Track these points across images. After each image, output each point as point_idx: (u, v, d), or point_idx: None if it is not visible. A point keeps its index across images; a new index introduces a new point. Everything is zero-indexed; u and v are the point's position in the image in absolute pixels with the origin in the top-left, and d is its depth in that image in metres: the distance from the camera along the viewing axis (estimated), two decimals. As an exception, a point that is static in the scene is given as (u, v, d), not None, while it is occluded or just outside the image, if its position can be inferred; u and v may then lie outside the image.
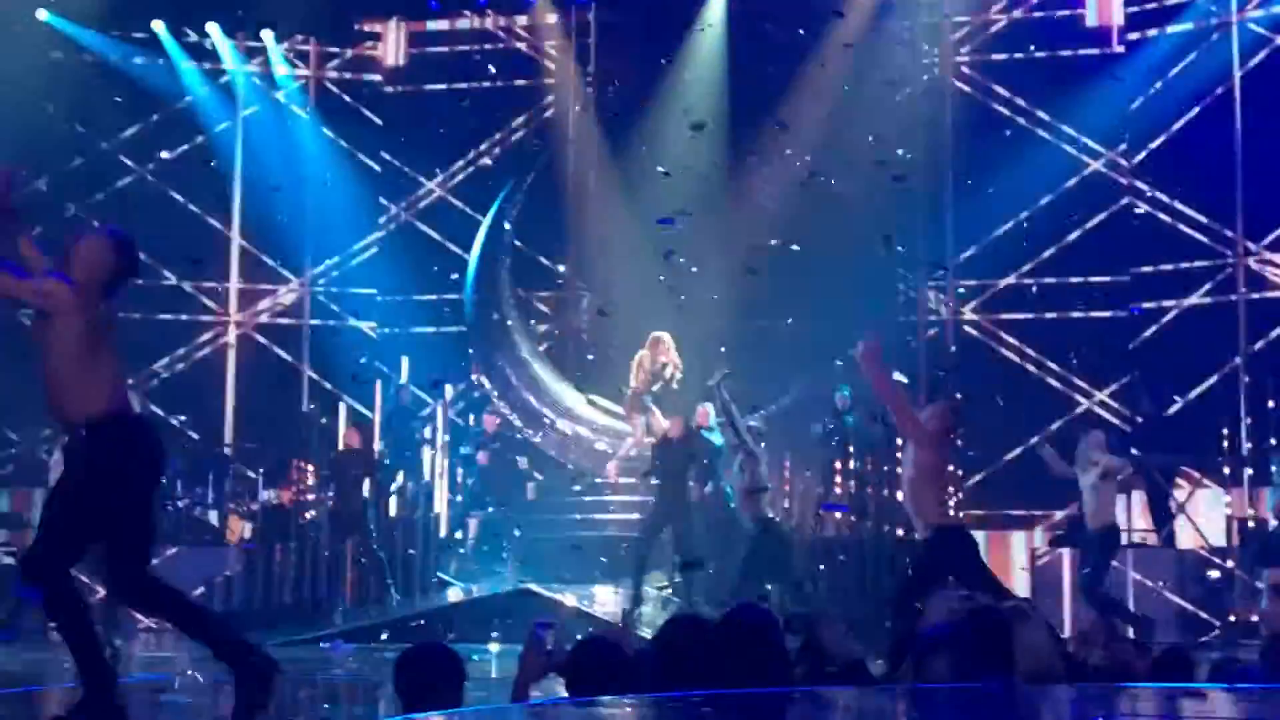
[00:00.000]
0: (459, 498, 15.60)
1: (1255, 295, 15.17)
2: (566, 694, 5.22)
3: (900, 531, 12.96)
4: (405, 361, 16.22)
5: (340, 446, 14.36)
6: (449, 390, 15.78)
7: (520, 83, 17.96)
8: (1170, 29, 15.98)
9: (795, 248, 15.33)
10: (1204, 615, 12.84)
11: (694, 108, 16.54)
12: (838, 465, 14.45)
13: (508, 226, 17.96)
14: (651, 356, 15.28)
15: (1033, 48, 16.72)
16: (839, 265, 15.17)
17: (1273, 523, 12.24)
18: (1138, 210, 15.89)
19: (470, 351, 17.52)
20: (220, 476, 15.69)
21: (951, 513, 10.05)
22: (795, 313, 16.06)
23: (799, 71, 16.86)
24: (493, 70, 17.38)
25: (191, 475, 15.62)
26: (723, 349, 15.38)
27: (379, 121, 18.01)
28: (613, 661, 5.29)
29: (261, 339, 17.55)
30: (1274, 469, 12.35)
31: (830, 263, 15.25)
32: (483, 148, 18.11)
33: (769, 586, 12.16)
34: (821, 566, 13.23)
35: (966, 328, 16.64)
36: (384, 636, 12.58)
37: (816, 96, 16.63)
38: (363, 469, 14.08)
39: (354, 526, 13.88)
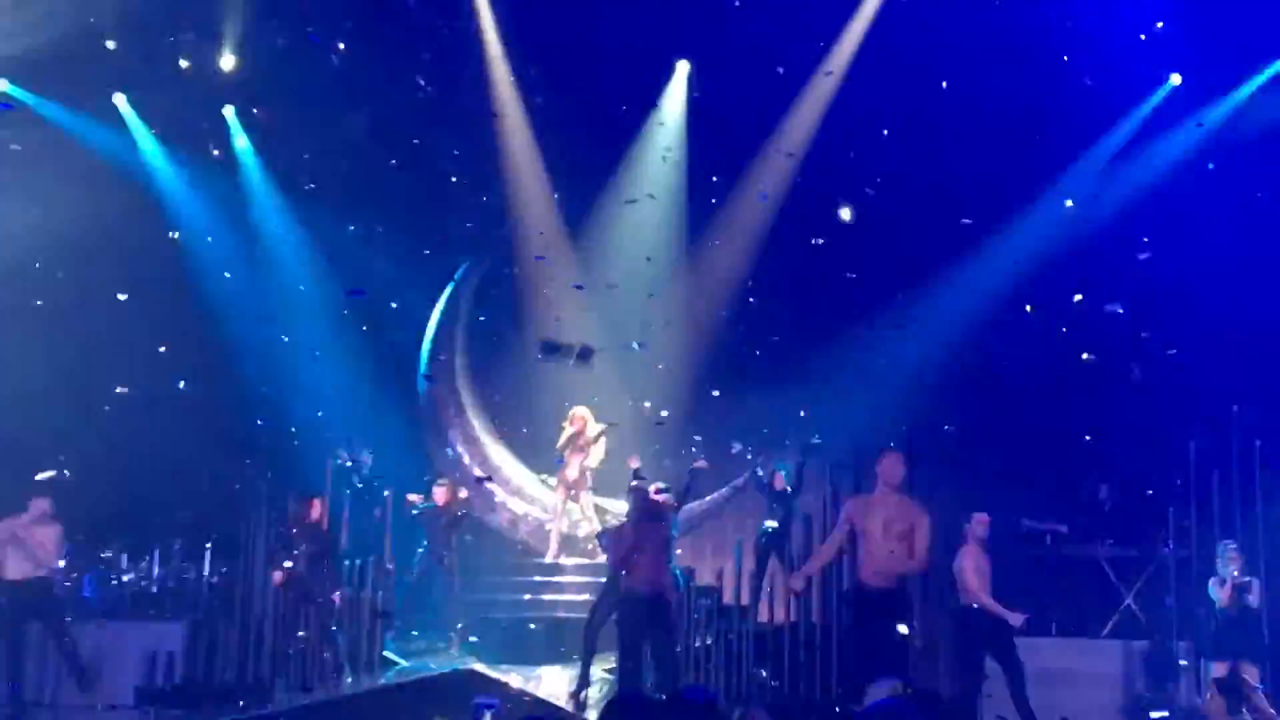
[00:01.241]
0: (408, 575, 15.54)
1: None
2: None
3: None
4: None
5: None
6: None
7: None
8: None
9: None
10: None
11: (653, 180, 16.89)
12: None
13: (463, 305, 18.05)
14: (580, 430, 15.61)
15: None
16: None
17: (1220, 604, 12.24)
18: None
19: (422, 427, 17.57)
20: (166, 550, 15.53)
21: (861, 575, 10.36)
22: (751, 389, 16.19)
23: (757, 152, 17.20)
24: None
25: (136, 549, 15.49)
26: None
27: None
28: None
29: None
30: (1218, 559, 12.40)
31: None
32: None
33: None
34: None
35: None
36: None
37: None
38: (319, 544, 13.94)
39: (306, 602, 13.74)
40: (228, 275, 16.93)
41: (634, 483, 13.10)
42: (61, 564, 13.40)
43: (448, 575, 15.17)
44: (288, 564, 13.51)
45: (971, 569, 11.62)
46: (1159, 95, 16.35)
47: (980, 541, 11.69)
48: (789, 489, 14.96)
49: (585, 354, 14.83)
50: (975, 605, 11.53)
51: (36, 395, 15.43)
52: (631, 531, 11.55)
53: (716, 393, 16.65)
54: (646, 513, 11.60)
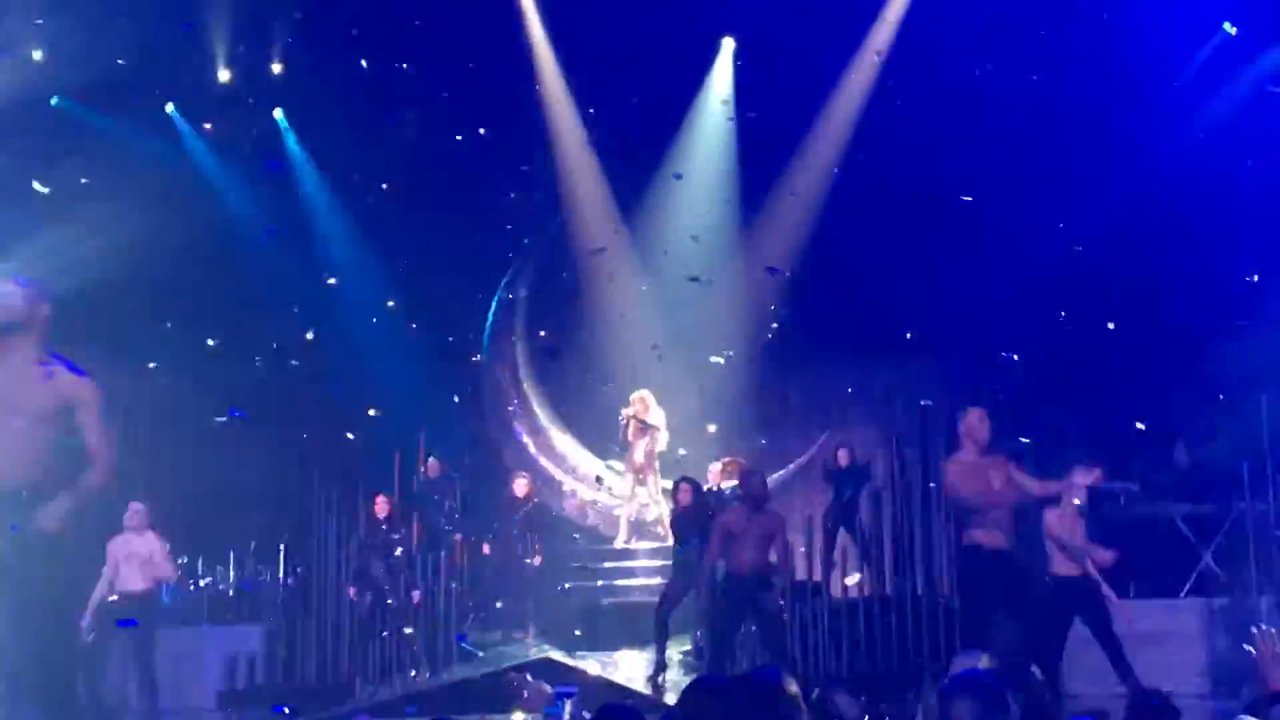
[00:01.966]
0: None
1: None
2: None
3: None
4: (423, 435, 16.20)
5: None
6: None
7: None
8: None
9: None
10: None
11: (703, 169, 16.84)
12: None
13: (520, 296, 18.10)
14: (629, 414, 15.62)
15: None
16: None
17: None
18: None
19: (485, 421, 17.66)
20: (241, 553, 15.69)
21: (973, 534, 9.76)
22: (812, 370, 16.15)
23: (808, 132, 17.11)
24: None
25: (212, 554, 15.66)
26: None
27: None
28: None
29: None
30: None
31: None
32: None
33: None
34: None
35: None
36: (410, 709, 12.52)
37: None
38: (390, 542, 14.07)
39: (380, 601, 13.87)
40: (280, 274, 17.00)
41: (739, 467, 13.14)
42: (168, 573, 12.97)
43: (525, 567, 15.23)
44: (352, 590, 13.69)
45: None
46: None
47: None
48: (852, 464, 14.95)
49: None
50: (1074, 574, 11.17)
51: (110, 409, 15.57)
52: (741, 516, 11.56)
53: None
54: (755, 499, 11.61)
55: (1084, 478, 10.99)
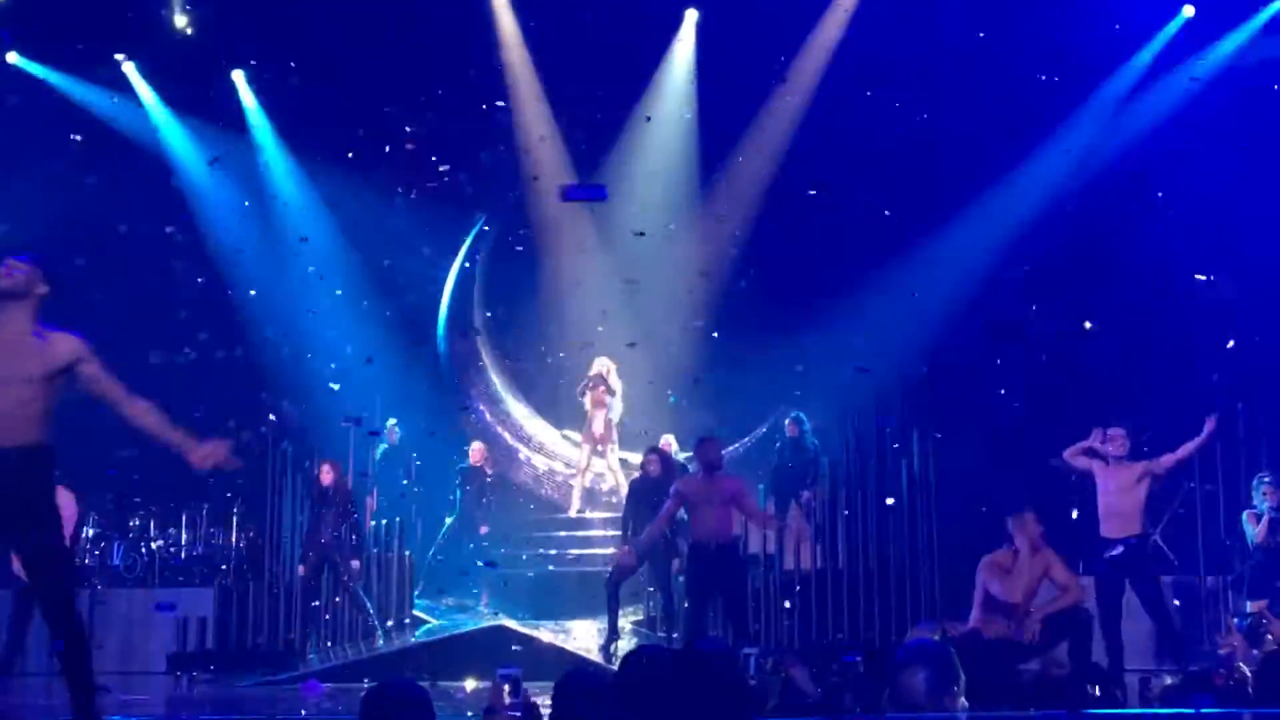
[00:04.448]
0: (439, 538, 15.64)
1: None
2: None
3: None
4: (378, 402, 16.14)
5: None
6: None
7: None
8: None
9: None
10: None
11: (664, 132, 16.80)
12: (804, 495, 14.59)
13: (478, 263, 18.04)
14: (594, 379, 15.63)
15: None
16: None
17: (1255, 540, 12.12)
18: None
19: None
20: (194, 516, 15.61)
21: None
22: (768, 346, 16.16)
23: (765, 108, 17.09)
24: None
25: (165, 516, 15.57)
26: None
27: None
28: (596, 696, 5.30)
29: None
30: (1254, 492, 12.26)
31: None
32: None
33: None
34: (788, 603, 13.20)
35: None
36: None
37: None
38: (340, 506, 14.01)
39: (331, 565, 13.83)
40: (241, 250, 16.90)
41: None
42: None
43: (479, 534, 15.26)
44: (301, 568, 13.68)
45: None
46: (1171, 29, 16.17)
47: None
48: (801, 435, 14.98)
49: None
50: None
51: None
52: (696, 483, 11.53)
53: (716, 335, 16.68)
54: (711, 465, 11.55)
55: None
